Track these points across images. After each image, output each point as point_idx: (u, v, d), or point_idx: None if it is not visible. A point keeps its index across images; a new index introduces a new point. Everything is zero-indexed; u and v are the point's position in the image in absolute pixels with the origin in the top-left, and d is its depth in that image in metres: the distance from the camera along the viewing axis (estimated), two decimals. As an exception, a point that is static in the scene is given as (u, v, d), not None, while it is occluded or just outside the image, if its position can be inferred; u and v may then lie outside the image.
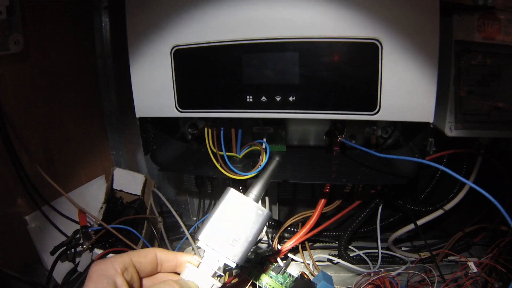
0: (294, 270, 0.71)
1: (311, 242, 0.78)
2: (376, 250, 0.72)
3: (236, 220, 0.43)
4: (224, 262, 0.42)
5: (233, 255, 0.42)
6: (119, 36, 0.78)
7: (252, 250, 0.44)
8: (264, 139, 0.67)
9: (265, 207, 0.47)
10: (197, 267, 0.42)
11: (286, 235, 0.77)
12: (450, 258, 0.71)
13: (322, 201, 0.71)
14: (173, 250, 0.75)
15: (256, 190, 0.45)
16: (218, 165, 0.64)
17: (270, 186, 0.47)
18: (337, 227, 0.78)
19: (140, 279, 0.40)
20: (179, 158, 0.73)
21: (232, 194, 0.44)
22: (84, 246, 0.63)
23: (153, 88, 0.61)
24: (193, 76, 0.59)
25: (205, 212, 0.84)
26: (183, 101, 0.61)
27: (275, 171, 0.48)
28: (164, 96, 0.61)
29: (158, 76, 0.60)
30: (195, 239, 0.74)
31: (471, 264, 0.62)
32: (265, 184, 0.46)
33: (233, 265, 0.42)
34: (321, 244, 0.79)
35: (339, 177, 0.63)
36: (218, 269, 0.42)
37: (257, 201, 0.45)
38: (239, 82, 0.57)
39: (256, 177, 0.62)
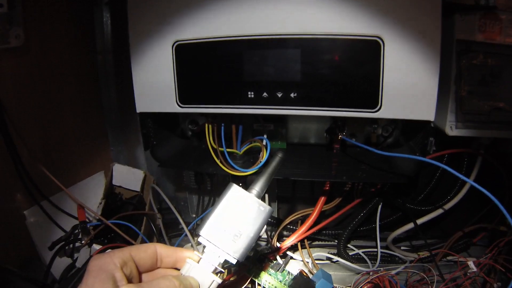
0: (293, 268, 0.70)
1: (310, 240, 0.78)
2: (375, 249, 0.72)
3: (237, 216, 0.43)
4: (225, 258, 0.42)
5: (234, 251, 0.41)
6: (120, 31, 0.78)
7: (252, 247, 0.44)
8: (265, 136, 0.67)
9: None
10: (198, 263, 0.41)
11: (285, 233, 0.77)
12: (449, 257, 0.71)
13: (322, 199, 0.71)
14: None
15: (258, 186, 0.45)
16: (218, 162, 0.64)
17: (269, 184, 0.47)
18: (336, 226, 0.78)
19: (140, 274, 0.40)
20: (179, 154, 0.73)
21: (234, 190, 0.44)
22: (83, 242, 0.63)
23: (154, 84, 0.61)
24: (195, 72, 0.59)
25: (204, 209, 0.83)
26: (184, 97, 0.60)
27: (278, 167, 0.48)
28: (165, 92, 0.61)
29: (159, 72, 0.60)
30: (195, 234, 0.74)
31: (471, 264, 0.62)
32: (267, 180, 0.46)
33: (234, 262, 0.42)
34: (320, 243, 0.79)
35: (339, 175, 0.63)
36: (219, 265, 0.42)
37: (259, 197, 0.45)
38: (240, 78, 0.57)
39: (256, 174, 0.62)
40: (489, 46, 0.55)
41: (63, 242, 0.64)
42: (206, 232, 0.42)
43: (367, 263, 0.72)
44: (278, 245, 0.72)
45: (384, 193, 0.71)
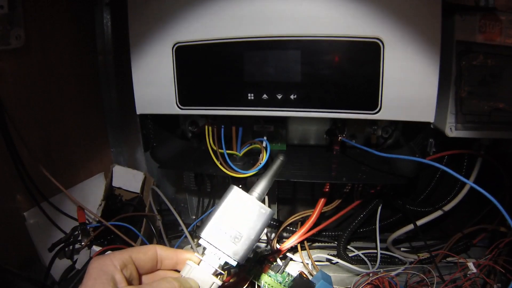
0: (293, 269, 0.70)
1: (310, 242, 0.78)
2: (375, 251, 0.72)
3: (238, 218, 0.43)
4: (225, 260, 0.42)
5: (234, 254, 0.41)
6: (120, 32, 0.78)
7: (252, 249, 0.44)
8: (265, 138, 0.67)
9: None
10: (198, 264, 0.41)
11: (285, 234, 0.77)
12: (449, 259, 0.71)
13: (322, 201, 0.71)
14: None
15: (259, 188, 0.45)
16: (218, 163, 0.63)
17: (270, 186, 0.47)
18: (336, 227, 0.78)
19: (140, 275, 0.40)
20: (179, 156, 0.73)
21: (235, 192, 0.44)
22: (83, 243, 0.63)
23: (154, 85, 0.61)
24: (195, 73, 0.59)
25: (204, 210, 0.83)
26: (184, 98, 0.61)
27: (279, 170, 0.48)
28: (165, 93, 0.61)
29: (159, 73, 0.60)
30: (195, 236, 0.74)
31: (471, 265, 0.62)
32: (268, 183, 0.46)
33: (234, 264, 0.42)
34: (320, 244, 0.78)
35: (339, 176, 0.63)
36: (219, 267, 0.42)
37: (260, 200, 0.45)
38: (240, 79, 0.57)
39: (256, 175, 0.62)
40: (489, 47, 0.55)
41: (63, 244, 0.64)
42: (207, 234, 0.42)
43: (367, 264, 0.72)
44: (278, 246, 0.72)
45: (384, 195, 0.71)
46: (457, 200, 0.66)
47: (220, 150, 0.64)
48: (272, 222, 0.78)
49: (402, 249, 0.76)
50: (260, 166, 0.62)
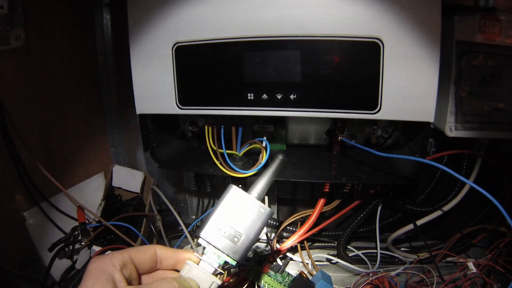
0: (293, 269, 0.70)
1: (310, 242, 0.78)
2: (375, 250, 0.72)
3: (238, 217, 0.43)
4: (225, 260, 0.42)
5: (233, 253, 0.41)
6: (120, 32, 0.78)
7: (251, 248, 0.44)
8: (264, 138, 0.67)
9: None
10: (197, 264, 0.41)
11: (285, 234, 0.77)
12: (449, 259, 0.71)
13: (322, 201, 0.71)
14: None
15: (259, 188, 0.45)
16: (218, 163, 0.63)
17: (270, 186, 0.47)
18: (336, 227, 0.78)
19: (139, 275, 0.40)
20: (179, 156, 0.73)
21: (234, 192, 0.44)
22: (82, 243, 0.63)
23: (154, 85, 0.61)
24: (194, 73, 0.59)
25: (204, 210, 0.83)
26: (183, 98, 0.61)
27: (279, 169, 0.48)
28: (165, 93, 0.61)
29: (159, 73, 0.60)
30: (195, 236, 0.74)
31: (471, 265, 0.62)
32: (268, 182, 0.46)
33: (234, 263, 0.42)
34: (320, 244, 0.78)
35: (339, 176, 0.63)
36: (219, 266, 0.42)
37: (259, 199, 0.45)
38: (240, 79, 0.57)
39: (255, 175, 0.62)
40: (489, 47, 0.55)
41: (63, 244, 0.64)
42: (206, 233, 0.42)
43: (367, 264, 0.72)
44: (278, 246, 0.72)
45: (384, 194, 0.71)
46: (457, 200, 0.66)
47: (220, 150, 0.64)
48: (272, 222, 0.78)
49: (402, 249, 0.76)
50: (260, 166, 0.62)
